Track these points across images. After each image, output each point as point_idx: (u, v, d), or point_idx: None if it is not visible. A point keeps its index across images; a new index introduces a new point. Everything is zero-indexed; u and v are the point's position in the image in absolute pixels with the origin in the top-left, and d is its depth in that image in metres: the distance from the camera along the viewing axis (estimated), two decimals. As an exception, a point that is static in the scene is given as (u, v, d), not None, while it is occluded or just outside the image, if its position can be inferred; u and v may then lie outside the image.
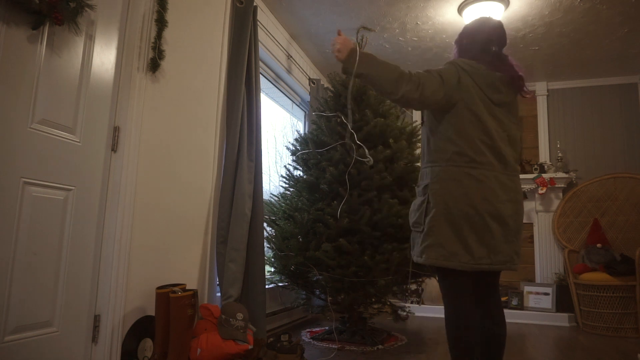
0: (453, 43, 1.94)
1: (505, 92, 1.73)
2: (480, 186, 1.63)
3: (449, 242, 1.63)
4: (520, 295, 4.23)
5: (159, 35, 2.11)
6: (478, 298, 1.74)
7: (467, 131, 1.66)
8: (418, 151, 3.08)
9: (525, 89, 1.76)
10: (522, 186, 4.37)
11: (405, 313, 3.27)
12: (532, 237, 4.54)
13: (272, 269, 3.13)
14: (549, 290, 4.15)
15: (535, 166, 4.49)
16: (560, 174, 4.37)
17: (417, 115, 4.97)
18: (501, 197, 1.64)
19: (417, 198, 1.78)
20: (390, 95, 1.69)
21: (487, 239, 1.62)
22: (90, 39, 1.83)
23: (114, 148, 1.95)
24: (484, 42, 1.79)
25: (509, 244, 1.67)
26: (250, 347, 2.08)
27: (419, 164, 3.05)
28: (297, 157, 3.23)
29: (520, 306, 4.18)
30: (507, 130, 1.72)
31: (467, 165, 1.65)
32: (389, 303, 3.08)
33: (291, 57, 3.82)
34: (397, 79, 1.65)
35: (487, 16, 1.86)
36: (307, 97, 4.20)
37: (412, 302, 4.11)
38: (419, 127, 3.10)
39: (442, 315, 3.08)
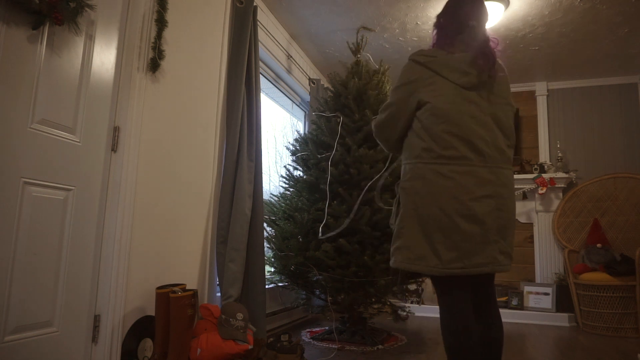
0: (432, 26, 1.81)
1: (474, 73, 1.56)
2: (449, 184, 1.50)
3: (417, 244, 1.53)
4: (520, 295, 4.23)
5: (159, 35, 2.11)
6: (475, 302, 1.64)
7: (432, 126, 1.55)
8: None
9: (493, 67, 1.58)
10: (522, 185, 4.45)
11: (405, 313, 3.27)
12: (532, 237, 4.54)
13: (272, 269, 3.13)
14: (549, 290, 4.15)
15: (535, 166, 4.49)
16: (560, 174, 4.37)
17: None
18: (476, 194, 1.49)
19: None
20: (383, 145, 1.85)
21: (457, 242, 1.49)
22: (90, 39, 1.83)
23: (114, 148, 1.95)
24: (463, 17, 1.65)
25: (489, 244, 1.51)
26: (250, 347, 2.08)
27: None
28: (296, 157, 3.23)
29: (520, 306, 4.18)
30: (490, 113, 1.57)
31: (435, 162, 1.53)
32: (389, 303, 3.08)
33: (291, 57, 3.82)
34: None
35: None
36: (307, 97, 4.20)
37: (412, 302, 4.10)
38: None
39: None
